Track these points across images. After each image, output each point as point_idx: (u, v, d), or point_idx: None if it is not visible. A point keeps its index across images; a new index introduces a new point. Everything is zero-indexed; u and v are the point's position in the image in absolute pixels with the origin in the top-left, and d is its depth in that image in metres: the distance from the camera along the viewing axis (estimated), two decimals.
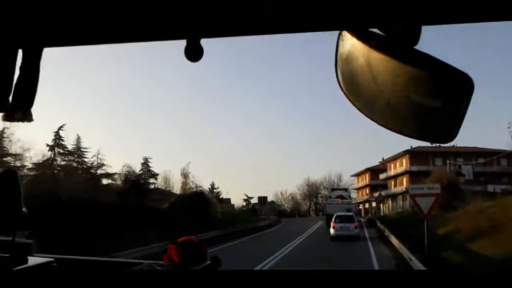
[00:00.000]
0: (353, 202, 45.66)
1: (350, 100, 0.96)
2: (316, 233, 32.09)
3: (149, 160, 55.80)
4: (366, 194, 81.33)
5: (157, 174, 54.30)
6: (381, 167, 74.94)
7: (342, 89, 0.96)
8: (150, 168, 55.87)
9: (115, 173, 45.98)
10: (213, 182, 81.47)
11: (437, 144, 59.85)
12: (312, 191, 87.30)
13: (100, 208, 18.73)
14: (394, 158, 68.94)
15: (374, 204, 68.60)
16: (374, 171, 78.34)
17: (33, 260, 1.71)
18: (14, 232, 1.66)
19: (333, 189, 50.25)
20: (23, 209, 1.65)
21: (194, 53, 0.90)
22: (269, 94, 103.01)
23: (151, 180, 54.95)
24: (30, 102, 1.28)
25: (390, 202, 68.85)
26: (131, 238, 15.65)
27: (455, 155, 59.93)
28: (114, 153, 75.77)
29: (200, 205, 29.72)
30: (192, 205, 29.04)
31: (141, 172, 53.25)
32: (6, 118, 1.27)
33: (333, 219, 26.99)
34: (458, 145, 62.98)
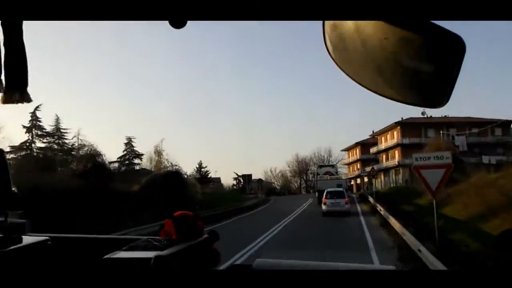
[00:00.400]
0: (343, 178, 47.67)
1: (339, 67, 0.95)
2: (306, 214, 29.93)
3: (132, 140, 54.38)
4: (357, 169, 79.51)
5: (142, 154, 52.86)
6: (372, 141, 73.13)
7: (330, 55, 0.95)
8: (134, 148, 54.54)
9: (100, 154, 43.16)
10: (200, 161, 79.76)
11: (429, 115, 57.68)
12: (301, 167, 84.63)
13: (55, 193, 17.65)
14: (384, 131, 66.67)
15: (366, 179, 66.75)
16: (364, 145, 76.58)
17: (27, 240, 1.71)
18: (6, 212, 1.65)
19: (320, 166, 51.52)
20: (13, 189, 1.64)
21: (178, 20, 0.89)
22: (255, 67, 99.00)
23: (136, 161, 54.01)
24: (25, 82, 1.28)
25: (382, 176, 66.57)
26: (89, 225, 13.73)
27: (448, 126, 57.18)
28: (98, 134, 73.69)
29: (175, 185, 27.43)
30: (165, 185, 26.83)
31: (124, 152, 52.77)
32: (4, 101, 1.27)
33: (324, 195, 27.86)
34: (450, 115, 60.26)
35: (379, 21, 0.84)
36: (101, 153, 31.23)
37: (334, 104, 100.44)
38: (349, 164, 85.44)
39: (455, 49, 0.84)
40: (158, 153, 49.24)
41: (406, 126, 59.11)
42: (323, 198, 27.83)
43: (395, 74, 0.91)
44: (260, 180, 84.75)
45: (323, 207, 27.09)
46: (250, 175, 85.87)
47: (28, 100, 1.26)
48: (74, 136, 42.33)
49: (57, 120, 43.73)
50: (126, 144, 51.05)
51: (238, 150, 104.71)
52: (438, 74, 0.87)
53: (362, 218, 23.93)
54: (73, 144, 42.56)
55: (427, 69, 0.87)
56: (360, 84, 0.94)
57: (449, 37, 0.84)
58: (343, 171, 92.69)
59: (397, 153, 62.80)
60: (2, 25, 1.16)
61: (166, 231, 1.71)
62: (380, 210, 22.22)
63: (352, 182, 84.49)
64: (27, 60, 1.25)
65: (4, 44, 1.20)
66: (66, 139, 43.53)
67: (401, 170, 58.34)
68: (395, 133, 62.90)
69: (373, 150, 70.77)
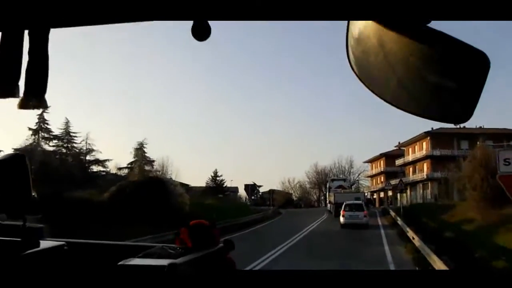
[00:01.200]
0: (360, 191, 48.19)
1: (362, 81, 0.97)
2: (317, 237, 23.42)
3: (144, 145, 52.70)
4: (381, 182, 76.22)
5: (153, 161, 51.73)
6: (397, 152, 69.94)
7: (353, 70, 0.97)
8: (146, 155, 53.13)
9: (107, 160, 44.69)
10: (216, 169, 77.28)
11: (462, 125, 52.17)
12: (320, 178, 79.03)
13: None
14: (412, 142, 63.47)
15: (390, 193, 63.64)
16: (389, 157, 73.14)
17: (44, 244, 1.78)
18: (24, 217, 1.72)
19: (332, 180, 52.47)
20: (33, 194, 1.70)
21: (201, 32, 0.94)
22: (276, 76, 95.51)
23: (147, 168, 50.79)
24: (44, 88, 1.30)
25: (408, 191, 60.36)
26: None
27: (484, 137, 51.12)
28: (105, 140, 73.98)
29: (154, 195, 23.75)
30: (139, 194, 23.47)
31: (135, 159, 51.29)
32: (21, 106, 1.30)
33: (343, 207, 29.29)
34: (485, 126, 54.11)
35: (404, 37, 0.87)
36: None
37: (356, 112, 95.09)
38: (372, 176, 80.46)
39: (479, 65, 0.86)
40: (137, 153, 48.54)
41: (436, 136, 55.90)
42: (341, 211, 29.09)
43: (418, 89, 0.92)
44: (271, 191, 79.05)
45: (341, 219, 28.37)
46: (253, 185, 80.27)
47: (45, 106, 1.29)
48: (83, 140, 42.09)
49: (67, 123, 43.52)
50: (137, 150, 49.87)
51: (257, 159, 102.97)
52: (462, 90, 0.89)
53: (387, 249, 17.87)
54: (81, 149, 42.60)
55: (450, 85, 0.89)
56: (382, 98, 0.95)
57: (474, 53, 0.85)
58: (366, 183, 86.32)
59: (425, 166, 59.74)
60: (29, 33, 1.20)
61: (181, 239, 1.77)
62: (413, 238, 16.73)
63: (375, 196, 78.35)
64: (48, 67, 1.28)
65: (29, 52, 1.24)
66: (75, 142, 43.34)
67: (429, 184, 53.09)
68: (424, 144, 59.44)
69: (399, 162, 67.70)
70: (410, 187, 62.88)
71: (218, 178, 79.16)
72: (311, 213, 46.78)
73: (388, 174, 68.89)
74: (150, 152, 50.98)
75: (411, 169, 63.72)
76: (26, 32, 1.21)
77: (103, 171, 44.41)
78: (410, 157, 62.83)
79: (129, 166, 50.29)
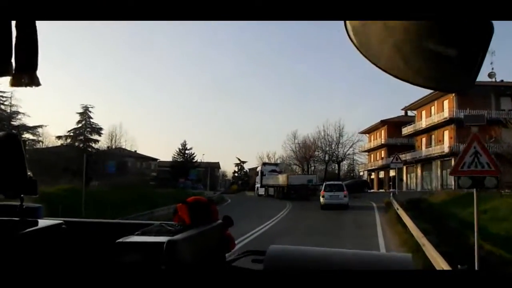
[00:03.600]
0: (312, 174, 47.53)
1: (354, 44, 0.97)
2: None
3: (90, 109, 47.13)
4: (382, 158, 61.97)
5: (100, 129, 47.64)
6: (404, 120, 56.14)
7: (349, 36, 0.96)
8: (92, 120, 47.67)
9: (39, 126, 40.37)
10: (184, 141, 67.99)
11: (500, 78, 45.45)
12: (301, 152, 60.30)
13: None
14: (427, 101, 48.38)
15: (392, 172, 49.54)
16: (392, 125, 58.49)
17: (42, 223, 1.91)
18: (21, 197, 1.84)
19: (264, 164, 52.91)
20: (29, 173, 1.82)
21: None
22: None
23: (94, 137, 47.65)
24: (35, 64, 1.39)
25: (418, 170, 42.42)
26: None
27: None
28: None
29: None
30: None
31: (80, 125, 47.33)
32: (13, 83, 1.37)
33: (323, 188, 32.62)
34: None
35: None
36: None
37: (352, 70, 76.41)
38: (369, 150, 63.07)
39: (482, 32, 0.86)
40: (82, 118, 44.46)
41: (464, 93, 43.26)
42: (321, 191, 32.70)
43: (416, 56, 0.92)
44: (210, 168, 62.79)
45: (321, 200, 31.49)
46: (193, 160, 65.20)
47: (37, 83, 1.40)
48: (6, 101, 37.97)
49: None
50: (81, 114, 44.90)
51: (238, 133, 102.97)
52: (463, 57, 0.88)
53: None
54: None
55: (451, 52, 0.88)
56: (376, 65, 0.96)
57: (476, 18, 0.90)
58: (361, 159, 67.50)
59: (447, 135, 45.37)
60: (16, 24, 1.33)
61: (180, 216, 1.87)
62: None
63: (373, 176, 59.25)
64: (37, 43, 1.40)
65: (17, 38, 1.37)
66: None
67: (452, 161, 33.77)
68: (445, 104, 45.94)
69: (407, 130, 53.91)
70: (422, 164, 44.18)
71: (187, 152, 69.14)
72: (264, 207, 35.48)
73: (391, 148, 56.79)
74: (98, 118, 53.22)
75: (423, 140, 52.95)
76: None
77: (33, 140, 40.08)
78: (423, 123, 51.35)
79: (70, 134, 46.71)
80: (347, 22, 0.94)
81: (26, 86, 1.36)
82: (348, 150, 68.20)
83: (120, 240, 1.55)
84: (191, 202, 1.84)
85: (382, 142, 61.59)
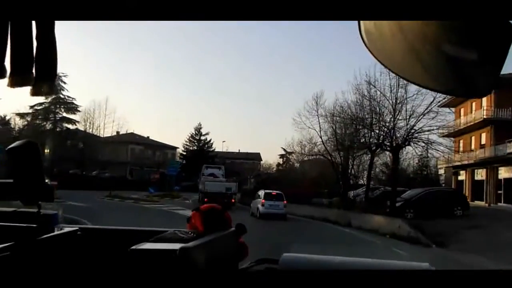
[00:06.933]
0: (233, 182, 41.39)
1: (372, 53, 0.95)
2: None
3: (63, 79, 35.32)
4: (481, 145, 36.08)
5: (77, 106, 38.79)
6: None
7: (363, 41, 0.94)
8: (66, 93, 37.47)
9: None
10: (199, 123, 56.65)
11: None
12: (341, 132, 35.32)
13: None
14: None
15: (505, 171, 30.91)
16: (508, 88, 24.45)
17: (58, 230, 2.04)
18: (39, 204, 1.93)
19: (207, 167, 46.98)
20: (46, 181, 1.88)
21: None
22: None
23: (70, 116, 39.75)
24: (54, 75, 1.44)
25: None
26: None
27: None
28: None
29: None
30: None
31: (48, 99, 38.69)
32: (34, 93, 1.42)
33: (263, 196, 31.29)
34: None
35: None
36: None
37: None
38: (456, 135, 36.49)
39: (503, 33, 0.82)
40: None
41: None
42: (261, 200, 31.13)
43: (435, 61, 0.89)
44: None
45: (261, 208, 30.32)
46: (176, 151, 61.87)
47: (56, 92, 2.02)
48: None
49: None
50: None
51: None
52: (483, 61, 0.85)
53: None
54: None
55: (470, 56, 0.85)
56: (393, 72, 0.95)
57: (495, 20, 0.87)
58: (440, 147, 38.10)
59: None
60: (36, 24, 1.36)
61: (193, 223, 1.90)
62: None
63: (462, 176, 38.68)
64: (57, 55, 1.42)
65: (37, 39, 1.38)
66: None
67: None
68: None
69: None
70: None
71: (202, 138, 56.04)
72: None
73: (502, 127, 32.36)
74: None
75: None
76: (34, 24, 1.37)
77: None
78: None
79: (32, 112, 37.94)
80: (361, 22, 0.89)
81: (45, 95, 1.68)
82: (418, 120, 29.01)
83: (134, 247, 1.57)
84: (204, 210, 1.85)
85: (484, 116, 34.49)
